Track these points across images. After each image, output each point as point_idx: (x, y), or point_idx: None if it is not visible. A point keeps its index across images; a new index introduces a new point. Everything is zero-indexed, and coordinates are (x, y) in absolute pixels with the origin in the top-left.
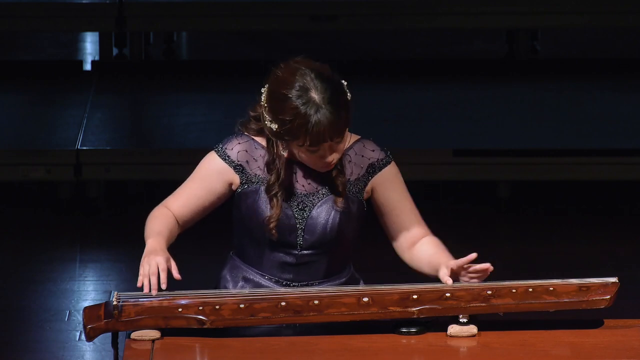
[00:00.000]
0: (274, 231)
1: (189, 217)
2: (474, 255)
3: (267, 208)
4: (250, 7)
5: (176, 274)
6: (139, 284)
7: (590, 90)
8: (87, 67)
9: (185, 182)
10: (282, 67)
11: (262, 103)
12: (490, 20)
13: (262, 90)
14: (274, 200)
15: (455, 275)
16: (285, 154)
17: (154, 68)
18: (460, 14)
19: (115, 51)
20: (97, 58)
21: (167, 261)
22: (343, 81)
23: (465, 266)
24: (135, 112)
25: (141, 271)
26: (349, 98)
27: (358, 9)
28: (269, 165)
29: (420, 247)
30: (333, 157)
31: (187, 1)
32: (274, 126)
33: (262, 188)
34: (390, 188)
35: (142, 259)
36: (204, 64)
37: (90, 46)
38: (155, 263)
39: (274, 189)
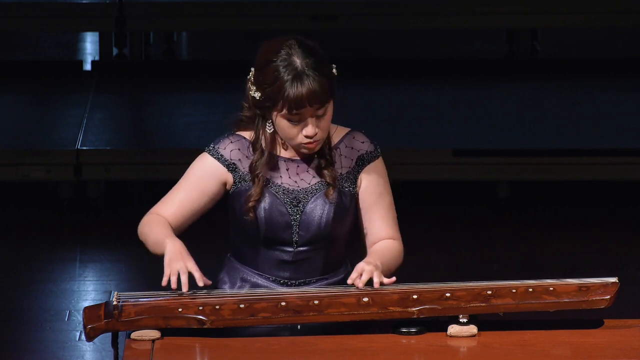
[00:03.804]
0: (251, 212)
1: (182, 221)
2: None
3: (260, 205)
4: (250, 7)
5: (205, 280)
6: (164, 282)
7: (590, 90)
8: (87, 67)
9: (176, 187)
10: (270, 39)
11: (249, 77)
12: (490, 20)
13: (252, 69)
14: (256, 179)
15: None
16: (270, 130)
17: (154, 68)
18: (460, 14)
19: (115, 51)
20: (97, 58)
21: (194, 266)
22: (333, 65)
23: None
24: (135, 112)
25: (168, 271)
26: (334, 72)
27: (358, 9)
28: (254, 145)
29: (373, 249)
30: (315, 132)
31: (187, 1)
32: (257, 94)
33: None
34: (372, 183)
35: (168, 259)
36: (204, 64)
37: (90, 46)
38: (184, 265)
39: (257, 168)
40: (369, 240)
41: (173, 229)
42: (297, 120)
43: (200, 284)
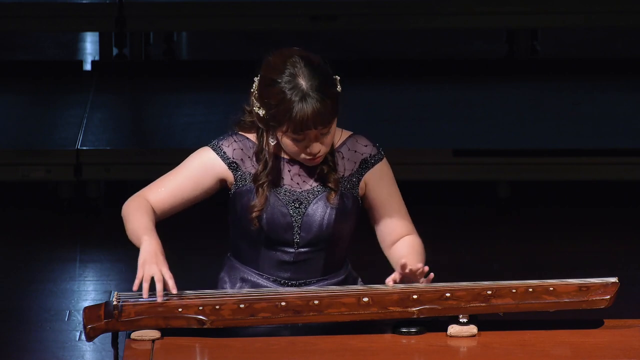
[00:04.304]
0: (255, 221)
1: (169, 208)
2: (417, 266)
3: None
4: (250, 7)
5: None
6: (135, 287)
7: (590, 90)
8: (87, 67)
9: (170, 174)
10: (275, 53)
11: (253, 90)
12: (490, 20)
13: (255, 79)
14: (260, 190)
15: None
16: (273, 142)
17: (154, 68)
18: (460, 14)
19: (115, 51)
20: (97, 58)
21: (167, 272)
22: (336, 76)
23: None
24: (135, 112)
25: (141, 274)
26: (338, 90)
27: (358, 9)
28: (258, 155)
29: (397, 246)
30: (319, 149)
31: (187, 1)
32: (261, 112)
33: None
34: (380, 185)
35: (142, 260)
36: (204, 64)
37: (90, 46)
38: (159, 271)
39: (261, 179)
40: (387, 239)
41: (158, 214)
42: (302, 139)
43: (174, 291)
